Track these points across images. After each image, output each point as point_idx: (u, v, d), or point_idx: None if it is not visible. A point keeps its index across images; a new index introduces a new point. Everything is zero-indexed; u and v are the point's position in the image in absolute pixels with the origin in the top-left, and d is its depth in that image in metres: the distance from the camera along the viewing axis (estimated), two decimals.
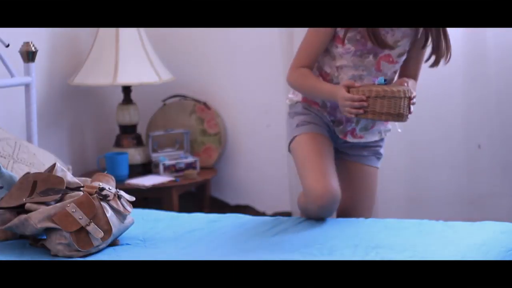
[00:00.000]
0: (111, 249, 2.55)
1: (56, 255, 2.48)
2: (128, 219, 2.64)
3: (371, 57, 2.79)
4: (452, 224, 2.64)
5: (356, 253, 2.35)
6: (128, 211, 2.63)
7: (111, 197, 2.58)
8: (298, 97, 2.91)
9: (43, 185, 2.58)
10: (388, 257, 2.28)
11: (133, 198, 2.69)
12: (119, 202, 2.60)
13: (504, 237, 2.43)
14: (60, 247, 2.47)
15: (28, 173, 2.67)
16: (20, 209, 2.54)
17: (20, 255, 2.48)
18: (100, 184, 2.61)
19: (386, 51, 2.78)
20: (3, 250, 2.51)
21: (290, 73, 2.84)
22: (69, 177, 2.66)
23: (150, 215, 2.96)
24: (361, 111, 2.61)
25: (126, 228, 2.64)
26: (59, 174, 2.63)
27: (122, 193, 2.65)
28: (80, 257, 2.45)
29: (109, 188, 2.60)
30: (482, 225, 2.58)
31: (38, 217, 2.47)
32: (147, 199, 3.80)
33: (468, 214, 3.57)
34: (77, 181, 2.66)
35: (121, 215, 2.60)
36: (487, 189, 3.58)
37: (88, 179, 2.70)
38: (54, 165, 2.67)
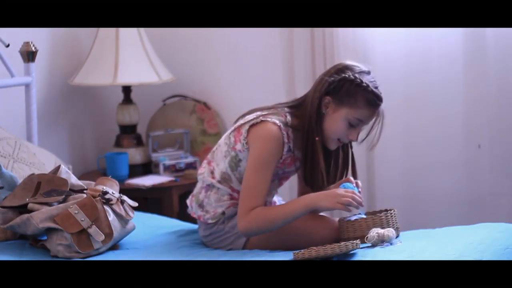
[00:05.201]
0: (111, 252, 2.55)
1: (56, 256, 2.48)
2: (130, 225, 2.65)
3: (276, 181, 2.73)
4: (448, 228, 2.66)
5: (355, 254, 2.35)
6: (130, 216, 2.63)
7: (114, 201, 2.59)
8: (223, 206, 2.67)
9: (47, 186, 2.59)
10: (387, 258, 2.28)
11: (136, 204, 2.69)
12: (121, 207, 2.60)
13: (500, 236, 2.44)
14: (60, 248, 2.47)
15: (33, 174, 2.67)
16: (23, 209, 2.55)
17: (20, 255, 2.48)
18: (104, 187, 2.61)
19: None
20: (3, 250, 2.52)
21: (245, 218, 2.53)
22: (73, 179, 2.66)
23: (151, 220, 2.97)
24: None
25: (127, 233, 2.65)
26: (63, 176, 2.63)
27: (125, 198, 2.65)
28: (80, 259, 2.45)
29: (112, 193, 2.61)
30: (478, 226, 2.59)
31: (40, 216, 2.47)
32: (147, 199, 3.80)
33: (468, 214, 3.57)
34: (81, 183, 2.66)
35: (123, 220, 2.60)
36: (487, 189, 3.58)
37: (92, 183, 2.70)
38: (58, 166, 2.67)
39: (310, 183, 2.63)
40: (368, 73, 2.59)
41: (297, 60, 3.71)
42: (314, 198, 2.52)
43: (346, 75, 2.56)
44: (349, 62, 2.64)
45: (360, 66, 2.61)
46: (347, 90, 2.55)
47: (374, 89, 2.56)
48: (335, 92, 2.57)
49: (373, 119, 2.60)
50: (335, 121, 2.57)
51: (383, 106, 2.61)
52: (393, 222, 2.53)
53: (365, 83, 2.54)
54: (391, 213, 2.54)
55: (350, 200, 2.46)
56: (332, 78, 2.58)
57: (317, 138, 2.57)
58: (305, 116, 2.60)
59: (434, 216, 3.60)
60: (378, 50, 3.62)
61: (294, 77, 3.71)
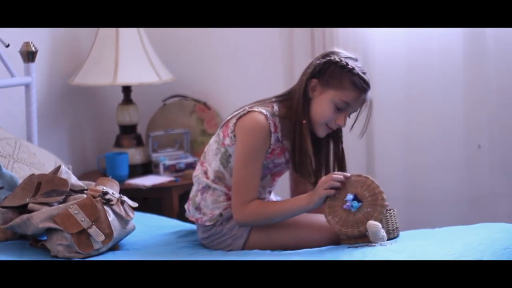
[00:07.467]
0: (111, 253, 2.54)
1: (56, 256, 2.48)
2: (130, 225, 2.65)
3: (269, 176, 2.73)
4: (448, 228, 2.66)
5: (354, 254, 2.35)
6: (130, 216, 2.63)
7: (114, 202, 2.59)
8: (220, 207, 2.66)
9: (47, 186, 2.59)
10: (386, 258, 2.28)
11: (136, 204, 2.69)
12: (121, 207, 2.60)
13: (500, 236, 2.44)
14: (60, 248, 2.47)
15: (33, 174, 2.67)
16: (23, 209, 2.55)
17: (20, 255, 2.48)
18: (104, 188, 2.61)
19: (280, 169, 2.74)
20: (3, 250, 2.52)
21: (241, 211, 2.57)
22: (74, 179, 2.66)
23: (151, 221, 2.96)
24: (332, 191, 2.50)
25: (127, 233, 2.65)
26: (63, 176, 2.63)
27: (125, 198, 2.65)
28: (80, 259, 2.45)
29: (112, 193, 2.61)
30: (478, 227, 2.60)
31: (40, 217, 2.47)
32: (147, 199, 3.81)
33: (468, 214, 3.57)
34: (81, 184, 2.66)
35: (123, 220, 2.60)
36: (487, 189, 3.58)
37: (92, 183, 2.70)
38: (59, 167, 2.67)
39: (299, 169, 2.63)
40: (356, 60, 2.60)
41: (297, 60, 3.71)
42: (308, 196, 2.54)
43: (332, 58, 2.58)
44: (336, 49, 2.67)
45: (347, 53, 2.63)
46: (333, 72, 2.56)
47: (360, 73, 2.56)
48: (321, 74, 2.58)
49: (360, 105, 2.60)
50: (322, 104, 2.58)
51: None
52: (392, 222, 2.54)
53: (351, 65, 2.55)
54: (390, 213, 2.54)
55: (331, 182, 2.49)
56: (318, 61, 2.60)
57: (304, 121, 2.58)
58: (293, 102, 2.61)
59: (434, 216, 3.61)
60: (378, 50, 3.62)
61: (294, 77, 3.71)
